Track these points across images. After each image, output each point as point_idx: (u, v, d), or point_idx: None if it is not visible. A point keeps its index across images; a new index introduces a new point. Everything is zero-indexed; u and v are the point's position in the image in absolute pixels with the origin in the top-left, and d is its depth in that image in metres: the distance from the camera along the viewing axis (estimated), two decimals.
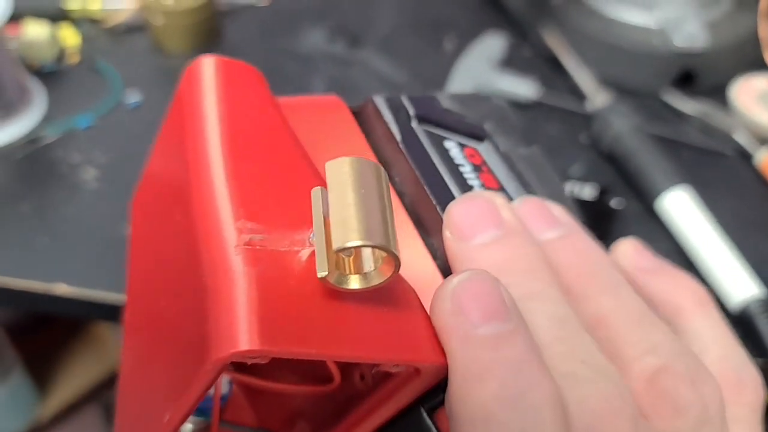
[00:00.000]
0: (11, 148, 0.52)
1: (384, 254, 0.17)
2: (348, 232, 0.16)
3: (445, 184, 0.24)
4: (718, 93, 0.56)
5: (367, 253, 0.18)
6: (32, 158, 0.51)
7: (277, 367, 0.27)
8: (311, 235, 0.18)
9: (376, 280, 0.17)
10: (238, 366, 0.28)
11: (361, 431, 0.22)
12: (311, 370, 0.24)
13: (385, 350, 0.17)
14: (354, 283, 0.17)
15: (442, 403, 0.20)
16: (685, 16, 0.57)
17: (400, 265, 0.17)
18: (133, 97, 0.56)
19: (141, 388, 0.23)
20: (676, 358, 0.21)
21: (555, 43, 0.59)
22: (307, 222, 0.19)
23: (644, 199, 0.49)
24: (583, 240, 0.23)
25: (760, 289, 0.42)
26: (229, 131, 0.22)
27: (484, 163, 0.27)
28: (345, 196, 0.17)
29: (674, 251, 0.46)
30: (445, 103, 0.28)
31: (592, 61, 0.57)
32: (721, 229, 0.45)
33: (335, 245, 0.16)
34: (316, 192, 0.18)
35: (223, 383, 0.26)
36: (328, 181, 0.18)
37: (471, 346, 0.18)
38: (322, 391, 0.23)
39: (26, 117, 0.54)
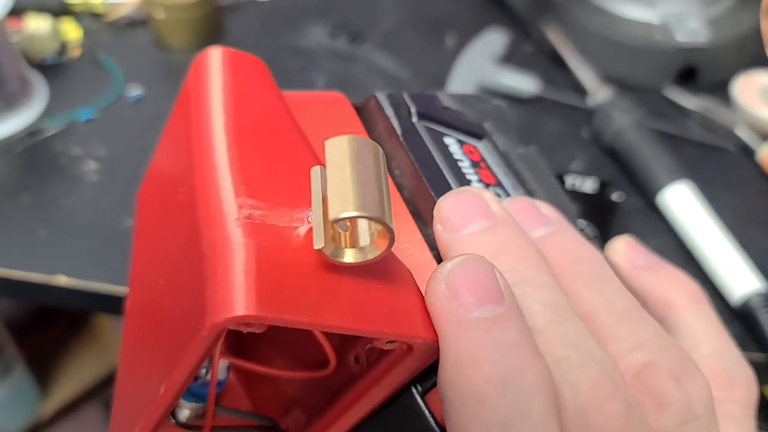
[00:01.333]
0: (12, 141, 0.52)
1: (379, 228, 0.17)
2: (344, 204, 0.17)
3: (444, 177, 0.25)
4: (720, 89, 0.56)
5: (363, 227, 0.18)
6: (33, 151, 0.51)
7: (274, 351, 0.27)
8: (310, 214, 0.19)
9: (371, 255, 0.18)
10: (236, 350, 0.28)
11: (354, 414, 0.22)
12: (307, 355, 0.24)
13: (378, 323, 0.17)
14: (349, 256, 0.18)
15: (434, 385, 0.20)
16: (688, 11, 0.57)
17: (394, 240, 0.17)
18: (134, 91, 0.56)
19: (140, 369, 0.23)
20: (663, 354, 0.20)
21: (556, 38, 0.59)
22: (306, 203, 0.19)
23: (645, 193, 0.49)
24: (571, 237, 0.23)
25: (762, 284, 0.42)
26: (234, 116, 0.22)
27: (483, 160, 0.27)
28: (343, 171, 0.17)
29: (675, 246, 0.46)
30: (446, 101, 0.29)
31: (593, 56, 0.57)
32: (722, 224, 0.45)
33: (332, 216, 0.17)
34: (315, 170, 0.19)
35: (221, 370, 0.26)
36: (327, 157, 0.18)
37: (464, 329, 0.18)
38: (318, 376, 0.23)
39: (27, 110, 0.54)
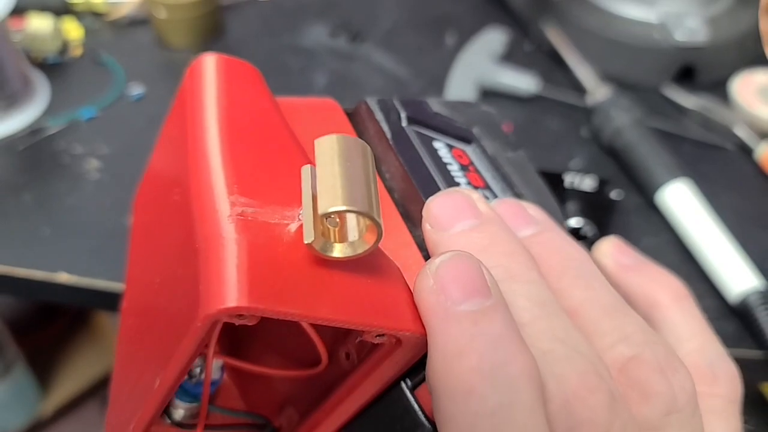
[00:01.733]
0: (14, 139, 0.52)
1: (368, 223, 0.18)
2: (333, 198, 0.17)
3: (433, 180, 0.25)
4: (718, 88, 0.56)
5: (351, 223, 0.18)
6: (35, 149, 0.52)
7: (267, 351, 0.27)
8: (300, 212, 0.19)
9: (360, 249, 0.18)
10: (230, 350, 0.29)
11: (346, 409, 0.22)
12: (299, 354, 0.25)
13: (367, 316, 0.18)
14: (338, 251, 0.18)
15: (423, 380, 0.20)
16: (686, 11, 0.57)
17: (382, 234, 0.18)
18: (135, 90, 0.56)
19: (136, 367, 0.23)
20: (647, 347, 0.21)
21: (556, 37, 0.59)
22: (297, 201, 0.19)
23: (645, 191, 0.49)
24: (558, 236, 0.24)
25: (759, 281, 0.42)
26: (228, 119, 0.23)
27: (471, 163, 0.28)
28: (332, 168, 0.18)
29: (673, 243, 0.46)
30: (435, 107, 0.30)
31: (592, 55, 0.57)
32: (720, 222, 0.45)
33: (321, 210, 0.17)
34: (305, 169, 0.19)
35: (215, 369, 0.27)
36: (317, 155, 0.18)
37: (451, 322, 0.18)
38: (311, 374, 0.24)
39: (29, 109, 0.54)
